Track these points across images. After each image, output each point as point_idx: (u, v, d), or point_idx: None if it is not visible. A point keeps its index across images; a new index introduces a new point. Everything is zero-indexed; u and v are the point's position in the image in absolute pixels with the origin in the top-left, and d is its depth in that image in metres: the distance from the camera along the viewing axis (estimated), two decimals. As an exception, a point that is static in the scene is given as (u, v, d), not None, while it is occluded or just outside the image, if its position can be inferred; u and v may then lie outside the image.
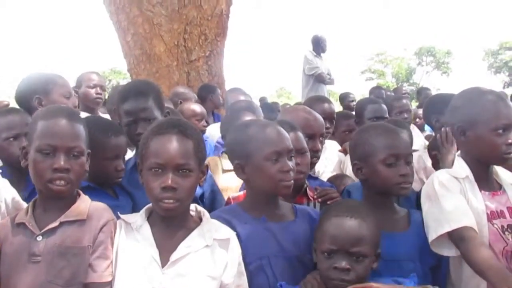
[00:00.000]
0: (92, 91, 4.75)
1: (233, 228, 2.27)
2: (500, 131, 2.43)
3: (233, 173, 2.63)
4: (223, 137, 3.83)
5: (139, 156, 2.19)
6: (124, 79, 25.53)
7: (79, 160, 2.16)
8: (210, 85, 6.23)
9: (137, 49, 6.42)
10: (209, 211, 2.34)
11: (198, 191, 3.06)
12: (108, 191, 2.75)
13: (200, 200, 3.03)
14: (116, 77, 31.10)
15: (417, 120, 7.05)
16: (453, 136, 2.63)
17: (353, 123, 4.56)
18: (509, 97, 3.49)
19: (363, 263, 2.15)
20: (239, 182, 3.08)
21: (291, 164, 2.31)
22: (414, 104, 9.94)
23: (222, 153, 3.67)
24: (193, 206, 2.26)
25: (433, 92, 9.09)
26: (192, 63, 6.41)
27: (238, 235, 2.26)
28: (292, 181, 2.33)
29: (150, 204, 2.19)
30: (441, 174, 2.56)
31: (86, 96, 4.74)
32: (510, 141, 2.43)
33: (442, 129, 3.31)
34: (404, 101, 5.25)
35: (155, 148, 2.11)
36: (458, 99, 2.62)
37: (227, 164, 3.70)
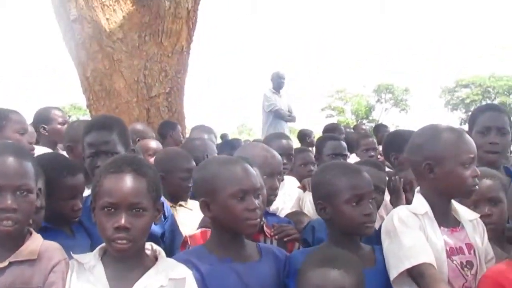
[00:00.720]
0: (62, 128, 4.72)
1: (198, 270, 2.23)
2: (467, 164, 2.50)
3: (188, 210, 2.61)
4: None
5: (92, 194, 2.15)
6: (84, 115, 25.26)
7: (28, 198, 2.10)
8: (171, 122, 6.19)
9: (97, 85, 6.37)
10: (169, 251, 2.32)
11: (159, 230, 3.04)
12: (65, 229, 2.68)
13: (161, 239, 3.01)
14: (76, 113, 30.76)
15: (378, 157, 7.14)
16: (418, 175, 2.65)
17: (309, 156, 4.59)
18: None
19: None
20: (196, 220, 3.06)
21: (257, 202, 2.29)
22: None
23: None
24: (148, 245, 2.21)
25: (392, 129, 9.22)
26: (152, 99, 6.38)
27: (203, 278, 2.22)
28: (258, 220, 2.32)
29: (104, 243, 2.13)
30: (401, 211, 2.57)
31: (58, 133, 4.71)
32: (475, 173, 2.51)
33: (393, 178, 3.41)
34: (370, 139, 5.32)
35: (108, 187, 2.06)
36: (419, 137, 2.67)
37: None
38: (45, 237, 2.22)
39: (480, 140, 3.18)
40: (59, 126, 4.77)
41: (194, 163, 3.63)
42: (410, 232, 2.45)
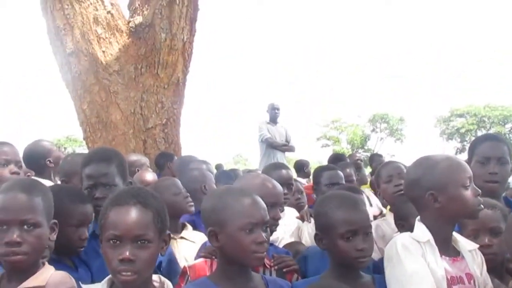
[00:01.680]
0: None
1: None
2: (467, 185, 2.55)
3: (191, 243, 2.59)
4: None
5: (99, 226, 2.16)
6: (80, 147, 25.30)
7: (34, 232, 2.15)
8: (168, 153, 6.22)
9: (93, 117, 6.39)
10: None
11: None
12: (67, 262, 2.67)
13: (157, 269, 2.99)
14: (72, 145, 30.79)
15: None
16: (421, 207, 2.65)
17: (296, 186, 4.59)
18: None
19: None
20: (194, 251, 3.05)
21: (265, 235, 2.29)
22: (367, 171, 10.10)
23: None
24: (156, 277, 2.23)
25: (387, 158, 9.26)
26: (148, 130, 6.40)
27: None
28: (265, 253, 2.32)
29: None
30: (403, 237, 2.57)
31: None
32: (477, 192, 2.56)
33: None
34: (348, 170, 5.27)
35: (113, 219, 2.09)
36: (415, 172, 2.69)
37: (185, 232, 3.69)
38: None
39: (479, 170, 3.19)
40: (58, 153, 4.78)
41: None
42: (413, 259, 2.45)
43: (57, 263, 2.49)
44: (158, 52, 6.47)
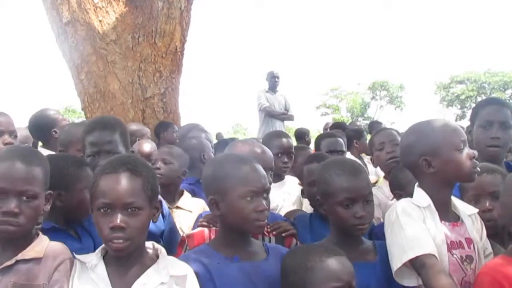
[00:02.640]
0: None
1: (206, 268, 2.25)
2: (461, 148, 2.52)
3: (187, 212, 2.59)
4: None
5: (90, 195, 2.17)
6: (79, 118, 25.25)
7: (32, 203, 2.15)
8: (165, 122, 6.25)
9: (91, 87, 6.34)
10: (167, 249, 2.32)
11: (157, 229, 3.05)
12: (71, 232, 2.68)
13: (160, 238, 3.02)
14: (71, 116, 30.73)
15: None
16: (417, 173, 2.66)
17: (309, 153, 4.57)
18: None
19: None
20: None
21: (265, 203, 2.30)
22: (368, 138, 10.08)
23: None
24: (150, 244, 2.25)
25: (387, 126, 9.25)
26: (147, 100, 6.36)
27: (212, 276, 2.25)
28: (266, 221, 2.33)
29: None
30: (403, 202, 2.58)
31: None
32: (472, 155, 2.53)
33: None
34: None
35: (103, 188, 2.10)
36: (408, 138, 2.70)
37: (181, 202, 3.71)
38: (54, 238, 2.28)
39: (481, 135, 3.20)
40: (64, 123, 4.73)
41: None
42: (414, 223, 2.46)
43: (61, 234, 2.53)
44: (155, 21, 6.38)
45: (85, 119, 6.88)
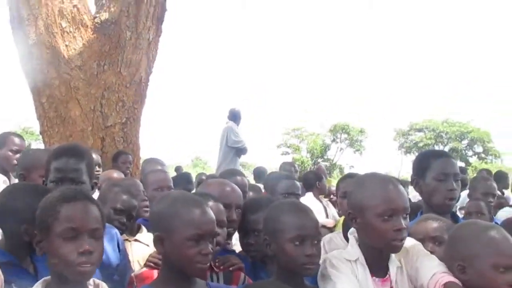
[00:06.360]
0: (14, 156, 4.61)
1: None
2: (386, 217, 2.45)
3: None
4: None
5: (40, 226, 2.14)
6: (37, 141, 24.84)
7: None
8: (120, 151, 6.23)
9: (52, 111, 6.26)
10: (120, 283, 2.33)
11: (116, 260, 3.04)
12: (29, 268, 2.56)
13: (114, 269, 3.02)
14: (28, 138, 30.16)
15: (332, 196, 7.17)
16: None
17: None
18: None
19: None
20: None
21: (210, 247, 2.28)
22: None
23: None
24: (91, 280, 2.22)
25: (346, 169, 9.38)
26: (107, 128, 6.32)
27: None
28: (208, 265, 2.31)
29: (47, 277, 2.15)
30: (333, 256, 2.58)
31: (6, 159, 4.60)
32: (397, 227, 2.44)
33: None
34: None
35: (68, 214, 2.10)
36: (351, 184, 2.73)
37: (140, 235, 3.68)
38: (9, 274, 2.28)
39: (439, 187, 3.21)
40: (10, 153, 4.65)
41: None
42: (344, 278, 2.45)
43: (16, 269, 2.46)
44: (122, 50, 6.39)
45: (42, 143, 6.77)
